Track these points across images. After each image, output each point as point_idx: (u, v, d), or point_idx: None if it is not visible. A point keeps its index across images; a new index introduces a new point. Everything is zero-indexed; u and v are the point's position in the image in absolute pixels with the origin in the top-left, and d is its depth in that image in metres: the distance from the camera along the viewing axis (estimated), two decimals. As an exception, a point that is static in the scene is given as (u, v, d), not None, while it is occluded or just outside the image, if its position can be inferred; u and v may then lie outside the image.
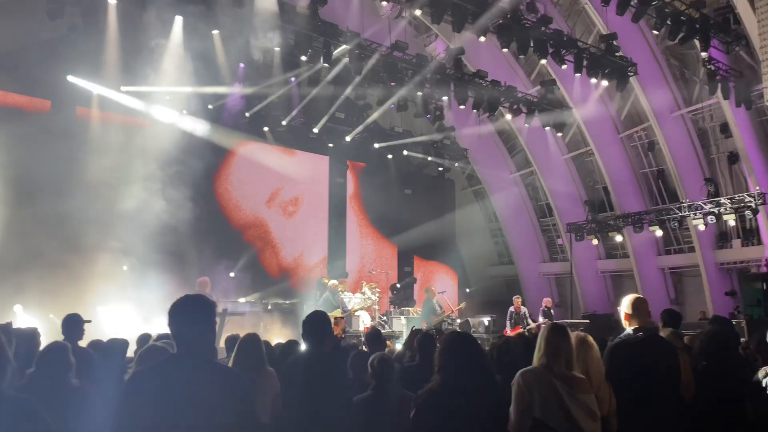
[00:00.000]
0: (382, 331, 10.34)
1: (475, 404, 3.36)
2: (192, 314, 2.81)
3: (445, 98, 17.76)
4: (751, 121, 18.72)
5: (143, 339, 6.88)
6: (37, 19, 12.74)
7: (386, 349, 6.96)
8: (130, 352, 6.17)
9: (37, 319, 10.99)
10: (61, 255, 12.14)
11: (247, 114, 16.95)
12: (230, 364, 4.97)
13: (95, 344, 6.12)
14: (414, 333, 6.54)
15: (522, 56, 16.10)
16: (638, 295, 4.63)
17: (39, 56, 13.59)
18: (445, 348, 3.61)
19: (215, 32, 13.41)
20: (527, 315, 15.17)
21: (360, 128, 19.21)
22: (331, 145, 19.65)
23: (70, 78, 13.94)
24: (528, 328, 14.38)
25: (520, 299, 15.05)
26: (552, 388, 3.59)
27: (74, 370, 4.36)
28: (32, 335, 5.68)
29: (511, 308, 14.89)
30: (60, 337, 5.59)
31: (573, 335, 4.08)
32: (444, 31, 18.43)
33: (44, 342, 5.01)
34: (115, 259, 13.59)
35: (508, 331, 14.29)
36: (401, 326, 16.00)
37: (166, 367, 2.81)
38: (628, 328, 4.52)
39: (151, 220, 14.23)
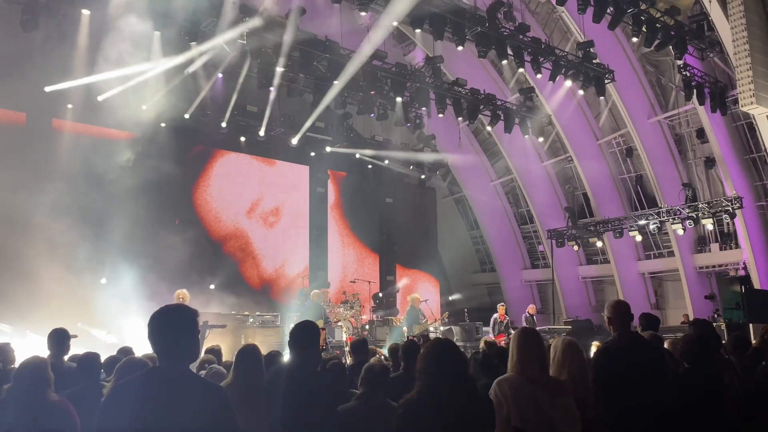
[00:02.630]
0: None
1: (455, 412, 3.29)
2: (172, 325, 2.73)
3: (424, 109, 17.80)
4: (726, 126, 18.99)
5: (124, 352, 6.78)
6: (12, 31, 12.57)
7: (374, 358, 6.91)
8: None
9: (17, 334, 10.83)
10: (38, 267, 11.94)
11: (223, 124, 16.78)
12: (230, 375, 4.91)
13: (74, 358, 6.02)
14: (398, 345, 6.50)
15: (503, 62, 16.15)
16: (619, 299, 4.65)
17: (13, 68, 13.38)
18: (425, 355, 3.56)
19: (193, 44, 13.34)
20: (510, 323, 15.18)
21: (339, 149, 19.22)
22: (312, 154, 19.56)
23: (48, 89, 13.69)
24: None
25: (504, 307, 15.04)
26: (528, 394, 3.53)
27: (53, 385, 4.26)
28: (4, 351, 5.58)
29: (496, 315, 14.88)
30: (34, 353, 5.47)
31: (559, 339, 4.07)
32: (423, 40, 18.50)
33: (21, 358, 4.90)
34: (93, 272, 13.39)
35: (493, 339, 14.28)
36: (384, 335, 15.94)
37: (147, 381, 2.73)
38: (612, 333, 4.53)
39: (129, 232, 14.07)
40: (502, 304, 15.33)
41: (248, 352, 4.84)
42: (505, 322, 14.88)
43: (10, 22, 12.46)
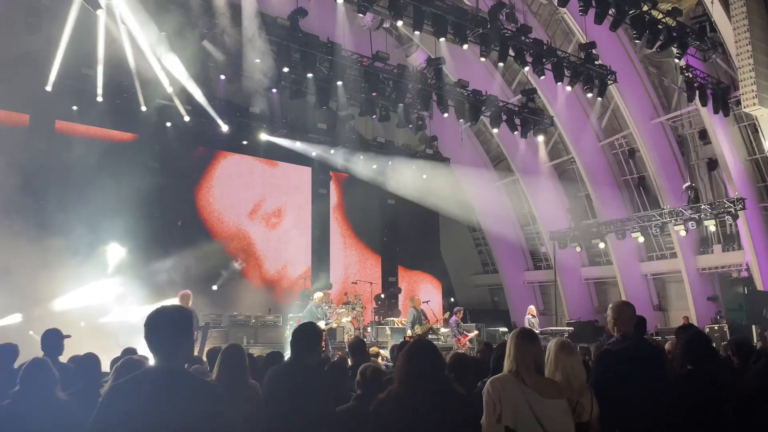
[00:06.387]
0: (367, 342, 10.30)
1: (427, 412, 3.29)
2: (168, 325, 2.76)
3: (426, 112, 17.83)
4: (729, 127, 18.97)
5: (127, 353, 6.79)
6: (15, 33, 12.62)
7: (379, 359, 6.94)
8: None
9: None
10: (40, 270, 11.97)
11: (226, 127, 16.73)
12: (213, 375, 4.92)
13: (75, 359, 6.03)
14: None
15: (501, 64, 16.17)
16: (623, 300, 4.63)
17: (17, 70, 13.42)
18: (401, 356, 3.58)
19: (205, 42, 13.33)
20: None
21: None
22: (314, 153, 19.55)
23: (48, 88, 13.66)
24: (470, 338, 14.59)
25: (462, 311, 15.09)
26: (522, 394, 3.50)
27: (59, 383, 4.29)
28: (11, 352, 5.59)
29: (454, 318, 14.86)
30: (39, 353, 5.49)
31: (553, 341, 4.06)
32: (425, 42, 18.53)
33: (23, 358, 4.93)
34: (97, 273, 13.43)
35: (461, 340, 14.32)
36: (386, 337, 15.95)
37: (142, 380, 2.76)
38: (616, 334, 4.52)
39: (131, 233, 14.10)
40: (460, 308, 15.42)
41: (231, 352, 4.84)
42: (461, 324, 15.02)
43: (14, 25, 12.48)
